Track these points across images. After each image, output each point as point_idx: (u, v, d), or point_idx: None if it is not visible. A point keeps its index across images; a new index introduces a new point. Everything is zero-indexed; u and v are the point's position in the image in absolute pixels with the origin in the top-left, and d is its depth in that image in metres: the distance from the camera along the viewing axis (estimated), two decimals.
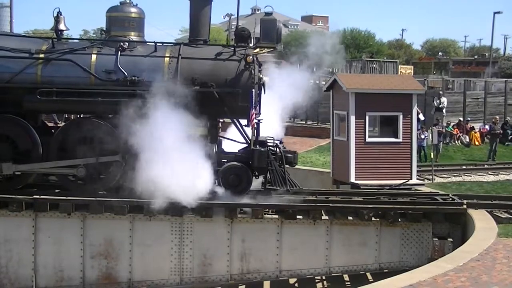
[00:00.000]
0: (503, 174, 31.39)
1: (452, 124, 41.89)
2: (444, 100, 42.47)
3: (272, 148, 19.21)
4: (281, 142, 19.91)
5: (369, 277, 19.01)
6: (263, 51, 19.93)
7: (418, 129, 30.82)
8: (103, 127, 18.56)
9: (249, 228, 18.53)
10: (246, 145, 19.31)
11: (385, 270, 18.63)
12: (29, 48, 19.10)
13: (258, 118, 19.08)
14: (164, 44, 19.69)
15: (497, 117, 40.68)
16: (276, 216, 18.58)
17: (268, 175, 19.03)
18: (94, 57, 19.00)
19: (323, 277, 19.63)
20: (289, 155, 19.50)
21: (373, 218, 18.61)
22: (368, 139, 24.70)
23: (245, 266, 18.57)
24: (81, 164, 18.62)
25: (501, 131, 39.93)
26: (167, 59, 19.05)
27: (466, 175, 30.82)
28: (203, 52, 19.31)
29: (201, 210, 18.35)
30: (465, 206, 19.12)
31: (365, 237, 18.76)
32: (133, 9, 19.72)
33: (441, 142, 37.79)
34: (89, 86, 18.74)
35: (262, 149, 18.86)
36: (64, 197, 18.43)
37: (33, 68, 18.90)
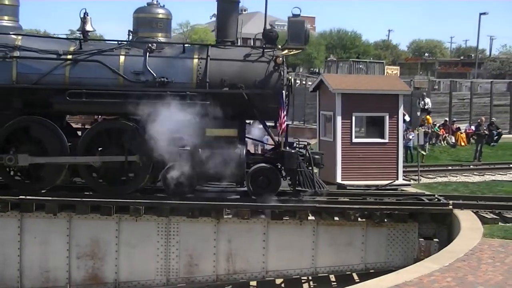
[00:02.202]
0: (489, 174, 31.47)
1: (438, 124, 42.01)
2: (428, 101, 42.64)
3: (300, 150, 19.24)
4: (308, 144, 19.96)
5: (355, 277, 19.04)
6: (292, 53, 19.90)
7: (404, 130, 30.90)
8: (130, 128, 18.67)
9: (235, 228, 18.53)
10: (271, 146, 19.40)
11: (371, 271, 18.66)
12: (56, 49, 19.03)
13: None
14: (192, 45, 19.64)
15: (483, 118, 40.81)
16: (262, 216, 18.61)
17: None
18: (122, 58, 18.96)
19: (310, 278, 19.65)
20: (317, 156, 19.53)
21: (359, 219, 18.65)
22: (354, 140, 24.75)
23: (232, 267, 18.57)
24: (98, 154, 18.68)
25: (487, 132, 40.05)
26: (195, 60, 19.01)
27: (452, 176, 30.89)
28: (231, 54, 19.27)
29: (187, 211, 18.34)
30: (451, 207, 19.17)
31: (351, 237, 18.78)
32: (160, 10, 19.67)
33: (427, 143, 37.89)
34: (118, 88, 18.69)
35: (293, 151, 18.87)
36: (50, 198, 18.38)
37: (61, 69, 18.83)
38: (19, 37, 19.20)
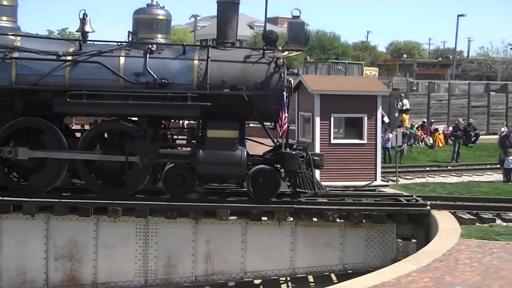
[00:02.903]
0: (466, 175, 31.71)
1: (416, 125, 42.22)
2: (406, 102, 42.84)
3: (300, 151, 19.25)
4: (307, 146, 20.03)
5: (334, 278, 19.07)
6: (291, 54, 19.90)
7: (382, 131, 31.01)
8: (131, 130, 18.67)
9: (214, 229, 18.50)
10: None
11: (349, 271, 18.69)
12: (56, 50, 18.90)
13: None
14: (192, 46, 19.59)
15: (461, 119, 41.07)
16: (237, 217, 18.60)
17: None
18: (122, 59, 18.82)
19: (288, 278, 19.66)
20: (316, 158, 19.54)
21: (337, 220, 18.68)
22: (333, 141, 24.83)
23: (210, 268, 18.55)
24: (98, 147, 18.59)
25: (465, 133, 40.29)
26: (196, 61, 18.91)
27: (430, 177, 31.09)
28: (232, 55, 19.20)
29: (166, 212, 18.31)
30: (428, 207, 19.24)
31: (329, 238, 18.81)
32: (160, 11, 19.54)
33: (405, 144, 38.09)
34: (118, 89, 18.58)
35: (293, 152, 18.87)
36: (27, 199, 18.28)
37: (60, 70, 18.67)
38: (18, 38, 19.05)
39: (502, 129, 43.23)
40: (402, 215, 18.84)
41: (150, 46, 18.84)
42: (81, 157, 18.64)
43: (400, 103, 42.59)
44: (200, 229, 18.50)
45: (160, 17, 19.48)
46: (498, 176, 30.72)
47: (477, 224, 19.13)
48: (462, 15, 72.43)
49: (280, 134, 18.90)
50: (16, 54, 18.66)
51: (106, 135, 19.09)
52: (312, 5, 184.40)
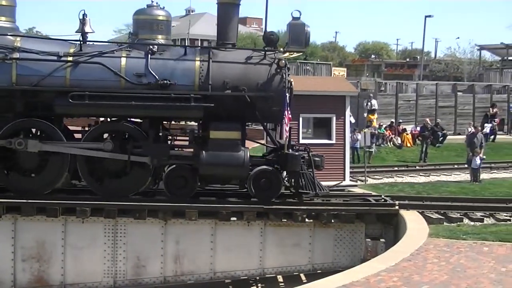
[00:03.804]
0: (434, 175, 31.91)
1: (384, 126, 42.41)
2: (374, 102, 43.03)
3: (302, 152, 19.27)
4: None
5: (303, 278, 19.11)
6: (292, 55, 19.86)
7: (351, 131, 31.11)
8: (133, 131, 18.70)
9: (183, 229, 18.47)
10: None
11: (318, 271, 18.73)
12: (57, 50, 18.73)
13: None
14: (193, 47, 19.52)
15: (428, 119, 41.29)
16: (209, 218, 18.58)
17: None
18: (124, 60, 18.71)
19: (257, 278, 19.67)
20: (317, 158, 19.53)
21: (306, 220, 18.72)
22: (301, 141, 24.80)
23: (179, 268, 18.51)
24: (108, 138, 18.60)
25: (432, 133, 40.54)
26: (197, 62, 18.84)
27: (398, 177, 31.24)
28: (233, 56, 19.16)
29: (135, 212, 18.24)
30: (397, 207, 19.35)
31: (298, 238, 18.85)
32: (160, 12, 19.44)
33: (374, 144, 38.26)
34: (120, 90, 18.45)
35: (296, 153, 18.87)
36: None
37: (61, 71, 18.52)
38: (18, 38, 18.88)
39: (469, 129, 43.58)
40: (371, 215, 18.92)
41: (151, 46, 18.78)
42: (92, 147, 18.57)
43: (369, 103, 42.78)
44: (169, 229, 18.45)
45: (161, 18, 19.41)
46: (465, 176, 30.95)
47: (445, 223, 19.29)
48: (429, 16, 72.74)
49: (284, 135, 18.95)
50: (16, 55, 18.50)
51: (107, 136, 19.04)
52: (280, 5, 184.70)
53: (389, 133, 42.04)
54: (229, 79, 18.66)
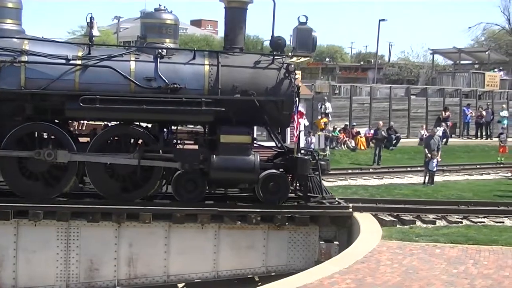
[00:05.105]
0: (387, 178, 32.07)
1: (338, 128, 42.59)
2: (328, 105, 43.22)
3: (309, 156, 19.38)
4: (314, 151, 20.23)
5: (257, 280, 19.13)
6: (300, 60, 19.85)
7: (305, 134, 31.20)
8: (144, 135, 18.73)
9: (136, 232, 18.37)
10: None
11: (272, 273, 18.75)
12: (65, 54, 18.53)
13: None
14: (201, 51, 19.66)
15: (381, 122, 41.55)
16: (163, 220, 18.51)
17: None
18: (133, 64, 18.59)
19: (212, 281, 19.63)
20: (323, 162, 19.71)
21: (260, 222, 18.73)
22: (256, 143, 24.79)
23: (133, 271, 18.41)
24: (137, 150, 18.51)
25: (386, 136, 40.82)
26: (207, 67, 18.81)
27: (352, 179, 31.35)
28: (242, 60, 19.18)
29: (88, 215, 18.11)
30: (350, 210, 19.44)
31: (252, 240, 18.87)
32: (169, 16, 19.39)
33: (328, 147, 38.41)
34: (129, 94, 18.35)
35: (306, 157, 18.94)
36: None
37: (70, 74, 18.33)
38: (26, 41, 18.64)
39: (422, 132, 44.04)
40: (324, 218, 18.99)
41: (160, 50, 18.69)
42: (119, 162, 18.51)
43: (323, 106, 42.94)
44: (123, 232, 18.35)
45: (169, 21, 19.39)
46: (418, 179, 31.16)
47: (397, 226, 19.47)
48: (383, 20, 72.97)
49: (294, 139, 19.09)
50: (25, 58, 18.28)
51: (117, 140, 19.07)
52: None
53: (343, 136, 42.20)
54: (238, 83, 18.75)
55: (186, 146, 19.66)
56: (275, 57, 19.26)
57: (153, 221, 18.29)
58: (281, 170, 19.06)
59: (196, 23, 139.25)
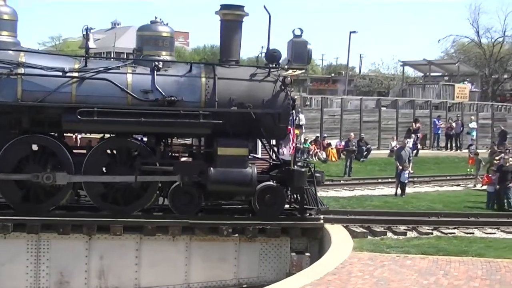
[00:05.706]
0: (358, 189, 32.10)
1: (309, 140, 42.61)
2: (302, 117, 43.23)
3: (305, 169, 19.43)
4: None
5: None
6: (295, 72, 19.85)
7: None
8: (141, 147, 18.68)
9: (107, 244, 18.31)
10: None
11: (244, 286, 18.79)
12: (62, 66, 18.42)
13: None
14: (197, 63, 19.70)
15: (352, 134, 41.64)
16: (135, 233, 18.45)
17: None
18: (130, 76, 18.53)
19: None
20: (318, 174, 19.72)
21: (232, 234, 18.71)
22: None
23: (103, 284, 18.34)
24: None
25: (356, 148, 40.91)
26: (203, 79, 18.81)
27: (323, 191, 31.25)
28: (238, 73, 19.21)
29: (58, 227, 17.99)
30: (322, 221, 19.48)
31: (224, 252, 18.85)
32: (165, 28, 19.42)
33: (299, 158, 38.38)
34: (126, 106, 18.26)
35: (303, 170, 18.95)
36: None
37: (67, 87, 18.22)
38: (22, 54, 18.49)
39: (393, 143, 44.18)
40: (296, 229, 19.03)
41: (156, 63, 18.63)
42: (120, 180, 18.51)
43: (297, 118, 42.94)
44: (94, 244, 18.28)
45: (165, 34, 19.43)
46: (389, 190, 31.25)
47: (369, 237, 19.51)
48: (354, 32, 73.29)
49: (290, 152, 19.09)
50: (21, 70, 18.16)
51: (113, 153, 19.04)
52: (207, 20, 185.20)
53: (314, 148, 42.21)
54: (235, 95, 18.78)
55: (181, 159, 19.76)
56: (271, 70, 19.31)
57: (124, 233, 18.26)
58: (277, 182, 19.08)
59: None
